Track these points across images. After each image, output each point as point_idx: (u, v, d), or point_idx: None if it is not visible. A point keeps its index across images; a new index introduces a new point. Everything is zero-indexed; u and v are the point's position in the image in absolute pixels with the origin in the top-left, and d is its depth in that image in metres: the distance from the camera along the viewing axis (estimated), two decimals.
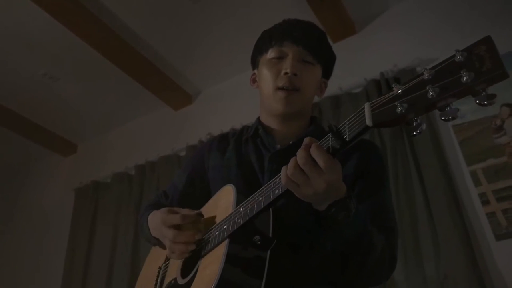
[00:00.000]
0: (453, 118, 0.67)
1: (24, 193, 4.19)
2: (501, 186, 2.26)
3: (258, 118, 1.32)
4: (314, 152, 0.82)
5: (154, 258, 1.33)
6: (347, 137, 0.78)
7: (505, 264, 2.13)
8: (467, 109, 2.44)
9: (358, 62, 2.91)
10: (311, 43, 1.22)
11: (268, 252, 0.94)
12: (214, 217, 1.11)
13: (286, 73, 1.18)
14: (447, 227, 2.23)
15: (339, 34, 3.05)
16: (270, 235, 0.96)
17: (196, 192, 1.31)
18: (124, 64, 3.25)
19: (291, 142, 1.19)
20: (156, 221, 1.17)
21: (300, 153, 0.83)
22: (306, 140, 0.85)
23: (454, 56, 0.65)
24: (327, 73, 1.32)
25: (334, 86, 2.81)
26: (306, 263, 1.04)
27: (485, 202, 2.27)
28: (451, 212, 2.25)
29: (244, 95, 3.25)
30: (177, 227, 1.09)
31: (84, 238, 3.47)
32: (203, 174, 1.31)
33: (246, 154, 1.25)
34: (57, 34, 2.96)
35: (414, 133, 0.70)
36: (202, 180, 1.30)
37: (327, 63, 1.30)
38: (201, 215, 1.13)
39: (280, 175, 0.89)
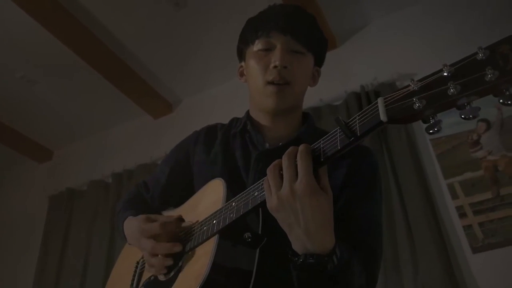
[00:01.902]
0: (474, 117, 0.64)
1: None
2: (477, 199, 2.30)
3: (248, 112, 1.24)
4: (300, 155, 0.77)
5: (131, 252, 1.25)
6: (357, 131, 0.73)
7: (481, 276, 2.15)
8: (444, 123, 2.46)
9: (339, 75, 2.93)
10: (299, 31, 1.13)
11: (258, 250, 0.91)
12: (200, 211, 1.06)
13: (275, 66, 1.09)
14: (424, 239, 2.24)
15: None
16: (260, 233, 0.92)
17: (179, 187, 1.25)
18: (105, 70, 3.22)
19: (280, 144, 1.12)
20: (133, 229, 1.11)
21: (286, 152, 0.79)
22: (301, 147, 0.80)
23: (476, 53, 0.63)
24: (319, 61, 1.23)
25: (315, 97, 2.83)
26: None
27: (462, 215, 2.30)
28: (428, 225, 2.26)
29: (225, 105, 3.25)
30: (155, 236, 1.04)
31: (57, 247, 3.38)
32: (187, 168, 1.24)
33: (233, 150, 1.18)
34: (37, 36, 2.91)
35: (431, 131, 0.68)
36: (185, 174, 1.23)
37: (318, 50, 1.20)
38: (181, 219, 1.08)
39: None
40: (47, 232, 3.52)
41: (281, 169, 0.80)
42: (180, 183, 1.26)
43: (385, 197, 2.43)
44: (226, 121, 1.32)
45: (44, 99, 3.52)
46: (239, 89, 3.33)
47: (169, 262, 1.02)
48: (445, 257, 2.18)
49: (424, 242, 2.24)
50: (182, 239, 1.05)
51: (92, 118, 3.75)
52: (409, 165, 2.46)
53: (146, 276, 1.13)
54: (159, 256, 1.03)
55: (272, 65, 1.10)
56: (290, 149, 0.80)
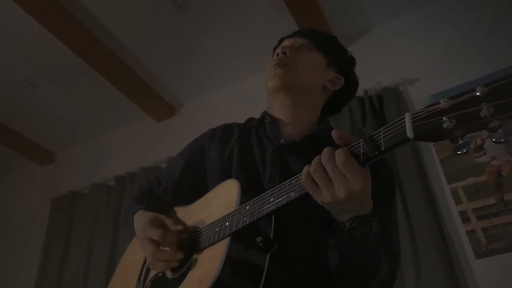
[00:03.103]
0: (506, 141, 0.62)
1: None
2: (481, 204, 2.28)
3: (265, 110, 1.29)
4: (338, 158, 0.77)
5: (139, 246, 1.27)
6: (382, 146, 0.72)
7: (484, 282, 2.14)
8: None
9: None
10: (307, 31, 1.28)
11: (268, 256, 0.90)
12: (212, 211, 1.05)
13: (277, 54, 1.22)
14: (427, 244, 2.23)
15: None
16: (272, 238, 0.92)
17: (192, 181, 1.25)
18: (107, 73, 3.22)
19: (297, 139, 1.15)
20: (139, 228, 1.12)
21: (325, 150, 0.78)
22: (334, 134, 0.80)
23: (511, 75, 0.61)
24: (339, 68, 1.27)
25: None
26: (305, 274, 0.99)
27: (466, 220, 2.29)
28: (432, 230, 2.25)
29: (228, 109, 3.26)
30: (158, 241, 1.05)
31: (59, 250, 3.37)
32: (201, 163, 1.24)
33: (249, 146, 1.19)
34: (41, 38, 2.92)
35: (459, 152, 0.66)
36: (200, 169, 1.23)
37: (332, 54, 1.27)
38: (183, 232, 1.08)
39: (296, 177, 0.85)
40: (49, 234, 3.52)
41: (320, 165, 0.79)
42: (193, 177, 1.25)
43: None
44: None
45: (46, 101, 3.53)
46: (241, 92, 3.36)
47: (175, 264, 1.03)
48: (448, 262, 2.17)
49: (427, 247, 2.23)
50: (191, 241, 1.05)
51: (95, 121, 3.76)
52: (412, 170, 2.45)
53: (154, 272, 1.13)
54: (160, 261, 1.04)
55: (275, 53, 1.25)
56: (327, 155, 0.78)
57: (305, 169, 0.80)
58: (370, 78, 2.83)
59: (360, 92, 2.77)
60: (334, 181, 0.77)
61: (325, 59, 1.24)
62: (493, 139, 0.63)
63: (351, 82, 1.30)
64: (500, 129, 0.62)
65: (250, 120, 1.31)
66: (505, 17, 2.65)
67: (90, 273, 3.14)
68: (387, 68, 2.87)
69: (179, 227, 1.08)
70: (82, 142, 3.96)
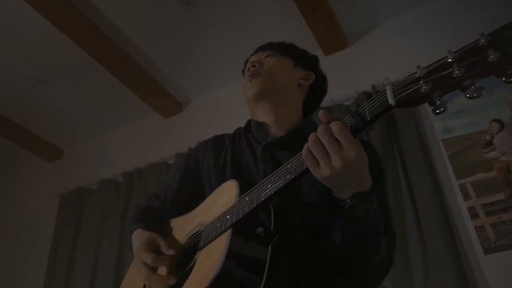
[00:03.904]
0: (479, 96, 0.68)
1: (5, 198, 4.10)
2: (489, 200, 2.27)
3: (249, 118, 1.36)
4: (333, 126, 0.81)
5: None
6: (367, 117, 0.78)
7: (493, 278, 2.13)
8: (456, 124, 2.48)
9: (350, 75, 2.92)
10: (267, 45, 1.41)
11: (270, 247, 0.92)
12: (213, 212, 1.08)
13: (248, 69, 1.33)
14: (436, 240, 2.23)
15: (331, 47, 3.08)
16: (272, 229, 0.94)
17: (190, 191, 1.29)
18: (115, 69, 3.23)
19: (284, 134, 1.22)
20: (135, 249, 1.16)
21: (320, 126, 0.83)
22: (322, 114, 0.85)
23: (478, 40, 0.67)
24: (306, 66, 1.38)
25: (326, 98, 2.80)
26: (308, 265, 1.01)
27: (474, 216, 2.28)
28: (440, 225, 2.25)
29: (234, 105, 3.24)
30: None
31: (67, 246, 3.39)
32: (197, 173, 1.30)
33: (240, 150, 1.26)
34: (48, 35, 2.93)
35: (438, 111, 0.72)
36: (196, 179, 1.29)
37: (296, 55, 1.38)
38: (175, 257, 1.09)
39: (290, 161, 0.89)
40: (57, 231, 3.54)
41: (318, 140, 0.83)
42: (191, 187, 1.30)
43: (395, 197, 2.42)
44: (235, 120, 1.42)
45: (54, 98, 3.54)
46: None
47: (172, 282, 1.04)
48: (456, 258, 2.16)
49: (435, 242, 2.22)
50: (193, 242, 1.08)
51: (103, 117, 3.77)
52: (421, 166, 2.44)
53: None
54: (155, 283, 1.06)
55: (246, 70, 1.36)
56: (322, 127, 0.82)
57: (305, 146, 0.84)
58: (378, 73, 2.82)
59: (368, 87, 2.79)
60: (330, 153, 0.80)
61: (291, 60, 1.36)
62: (467, 95, 0.69)
63: (320, 77, 1.40)
64: (472, 86, 0.68)
65: (239, 128, 1.37)
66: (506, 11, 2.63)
67: (99, 268, 3.16)
68: (395, 63, 2.85)
69: (171, 252, 1.09)
70: (90, 138, 3.98)
